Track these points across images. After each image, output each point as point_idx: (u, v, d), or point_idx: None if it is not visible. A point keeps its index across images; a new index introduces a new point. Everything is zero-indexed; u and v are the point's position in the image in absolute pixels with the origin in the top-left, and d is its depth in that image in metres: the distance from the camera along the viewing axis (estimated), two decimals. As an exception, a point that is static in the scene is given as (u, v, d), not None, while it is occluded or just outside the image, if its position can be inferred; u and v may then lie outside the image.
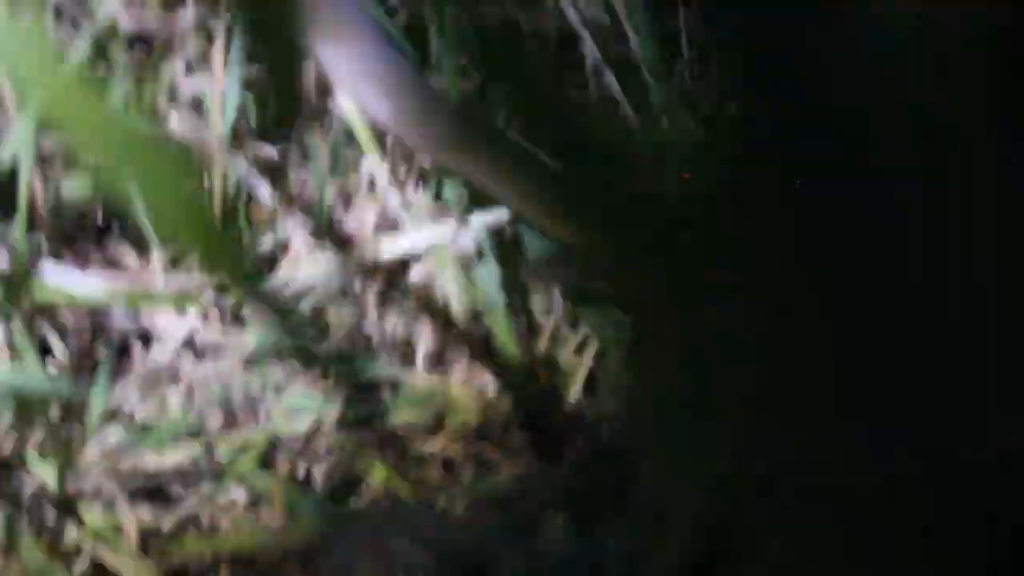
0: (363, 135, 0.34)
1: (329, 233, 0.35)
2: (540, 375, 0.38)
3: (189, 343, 0.36)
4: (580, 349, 0.39)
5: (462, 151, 0.31)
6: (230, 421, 0.35)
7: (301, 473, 0.35)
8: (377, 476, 0.34)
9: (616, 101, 0.37)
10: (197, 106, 0.37)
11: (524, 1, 0.37)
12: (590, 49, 0.37)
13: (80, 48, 0.36)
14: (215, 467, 0.34)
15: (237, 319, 0.36)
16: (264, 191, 0.35)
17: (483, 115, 0.33)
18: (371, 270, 0.35)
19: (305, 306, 0.37)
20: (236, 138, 0.35)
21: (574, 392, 0.37)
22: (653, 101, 0.36)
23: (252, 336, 0.36)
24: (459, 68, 0.34)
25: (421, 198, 0.34)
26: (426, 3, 0.36)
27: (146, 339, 0.36)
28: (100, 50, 0.37)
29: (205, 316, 0.36)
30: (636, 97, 0.37)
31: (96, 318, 0.36)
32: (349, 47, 0.30)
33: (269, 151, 0.37)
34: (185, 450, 0.34)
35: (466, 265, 0.35)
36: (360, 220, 0.34)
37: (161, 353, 0.35)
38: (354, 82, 0.31)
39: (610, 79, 0.37)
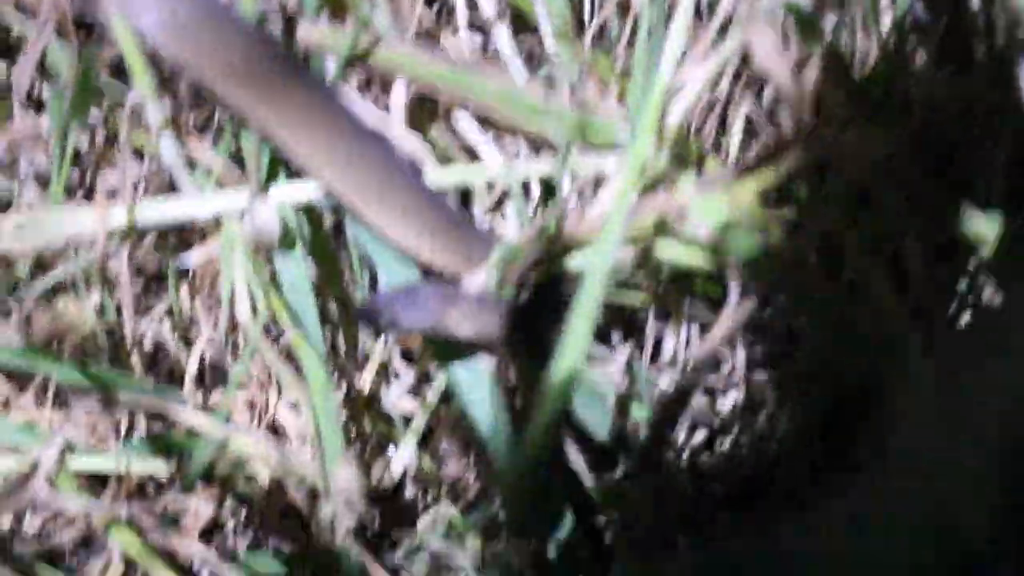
0: (133, 60, 0.24)
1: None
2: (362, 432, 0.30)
3: None
4: (416, 390, 0.31)
5: (256, 87, 0.22)
6: None
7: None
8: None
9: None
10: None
11: None
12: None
13: None
14: None
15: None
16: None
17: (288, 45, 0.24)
18: (131, 240, 0.26)
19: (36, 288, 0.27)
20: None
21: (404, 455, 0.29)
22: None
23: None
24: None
25: (210, 155, 0.26)
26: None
27: None
28: None
29: None
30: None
31: None
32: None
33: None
34: None
35: (264, 251, 0.26)
36: (122, 174, 0.25)
37: None
38: None
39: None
